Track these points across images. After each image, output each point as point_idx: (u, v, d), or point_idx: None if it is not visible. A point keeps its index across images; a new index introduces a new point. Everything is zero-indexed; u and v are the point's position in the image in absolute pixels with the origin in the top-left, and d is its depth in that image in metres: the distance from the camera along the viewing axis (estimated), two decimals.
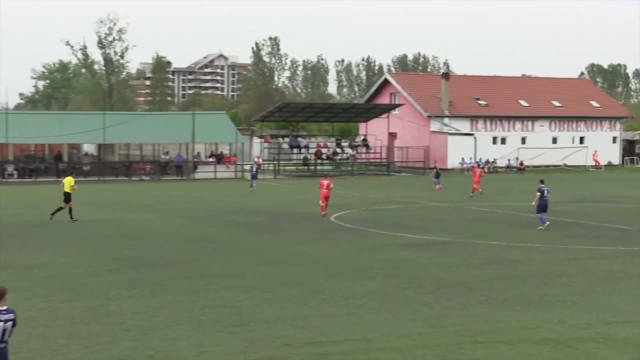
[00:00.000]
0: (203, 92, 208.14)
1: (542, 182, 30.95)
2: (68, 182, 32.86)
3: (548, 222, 29.63)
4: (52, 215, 32.11)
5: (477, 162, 57.43)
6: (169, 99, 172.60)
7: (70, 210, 32.01)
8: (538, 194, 30.14)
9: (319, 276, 19.80)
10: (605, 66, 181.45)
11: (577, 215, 34.65)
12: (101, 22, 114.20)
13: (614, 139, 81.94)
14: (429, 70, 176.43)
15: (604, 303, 16.83)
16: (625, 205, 39.95)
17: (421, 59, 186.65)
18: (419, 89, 77.90)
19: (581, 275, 20.10)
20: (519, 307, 16.39)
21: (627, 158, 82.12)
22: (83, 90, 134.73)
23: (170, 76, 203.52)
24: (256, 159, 60.86)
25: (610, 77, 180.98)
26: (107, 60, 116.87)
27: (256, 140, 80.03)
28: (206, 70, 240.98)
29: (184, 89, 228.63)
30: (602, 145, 79.73)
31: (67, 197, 32.31)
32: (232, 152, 68.82)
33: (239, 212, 35.80)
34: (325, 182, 34.87)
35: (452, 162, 72.26)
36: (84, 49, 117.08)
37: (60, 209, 32.28)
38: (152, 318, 15.30)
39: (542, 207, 29.82)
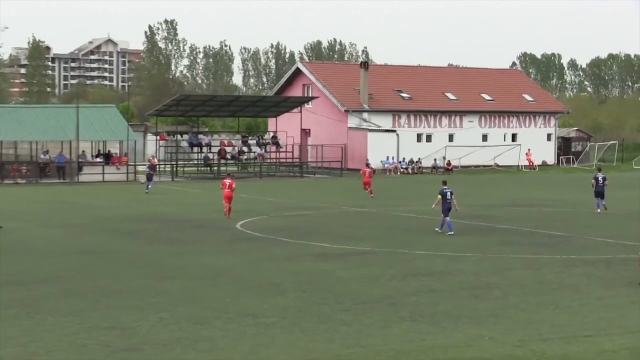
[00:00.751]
0: (88, 82, 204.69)
1: (444, 183, 32.17)
2: None
3: (451, 232, 30.43)
4: None
5: (366, 162, 59.55)
6: (49, 89, 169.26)
7: None
8: (439, 196, 31.02)
9: (223, 292, 19.70)
10: (539, 56, 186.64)
11: (510, 220, 35.45)
12: None
13: (549, 136, 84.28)
14: (345, 59, 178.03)
15: (538, 317, 17.26)
16: (562, 209, 41.08)
17: (337, 46, 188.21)
18: (335, 79, 78.45)
19: (514, 286, 20.57)
20: (447, 323, 16.65)
21: (562, 157, 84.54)
22: None
23: (50, 63, 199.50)
24: (151, 159, 60.15)
25: (543, 67, 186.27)
26: None
27: (151, 137, 79.08)
28: (92, 57, 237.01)
29: (65, 78, 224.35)
30: (536, 143, 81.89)
31: None
32: (122, 151, 67.82)
33: (131, 220, 35.31)
34: (227, 181, 36.40)
35: (373, 161, 72.88)
36: None
37: None
38: (30, 344, 14.93)
39: (446, 211, 30.82)
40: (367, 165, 55.38)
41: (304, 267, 23.30)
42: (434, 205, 31.79)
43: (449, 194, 30.97)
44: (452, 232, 30.54)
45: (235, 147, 71.86)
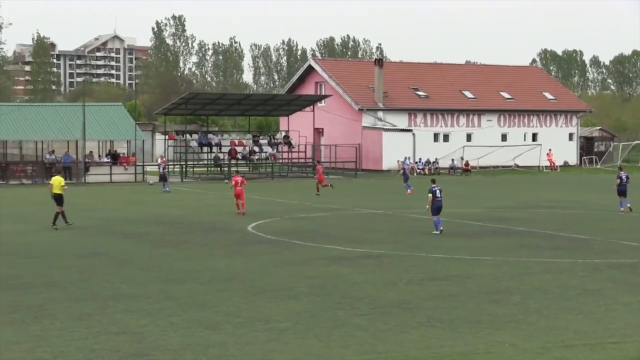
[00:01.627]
0: (95, 79, 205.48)
1: (433, 182, 32.69)
2: (57, 182, 33.42)
3: (441, 228, 31.18)
4: (53, 224, 32.62)
5: (317, 160, 61.80)
6: (54, 87, 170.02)
7: (57, 215, 32.69)
8: (430, 195, 31.44)
9: (234, 296, 19.73)
10: (560, 53, 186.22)
11: (530, 223, 35.38)
12: None
13: (571, 136, 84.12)
14: (359, 56, 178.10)
15: (561, 323, 17.22)
16: (584, 211, 40.98)
17: (350, 43, 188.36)
18: (349, 77, 78.49)
19: (535, 291, 20.52)
20: (466, 329, 16.63)
21: (585, 157, 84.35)
22: None
23: (55, 61, 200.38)
24: (160, 159, 60.38)
25: (565, 65, 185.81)
26: None
27: (159, 136, 79.38)
28: (98, 54, 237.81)
29: (71, 75, 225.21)
30: (557, 143, 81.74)
31: (59, 199, 32.85)
32: (130, 151, 68.07)
33: (139, 222, 35.43)
34: (238, 178, 38.20)
35: (388, 162, 72.95)
36: None
37: (58, 214, 32.77)
38: (36, 349, 14.99)
39: (437, 210, 31.24)
40: (318, 162, 58.38)
41: (317, 270, 23.32)
42: (427, 206, 31.99)
43: (438, 191, 31.42)
44: (437, 232, 31.02)
45: (246, 147, 71.98)
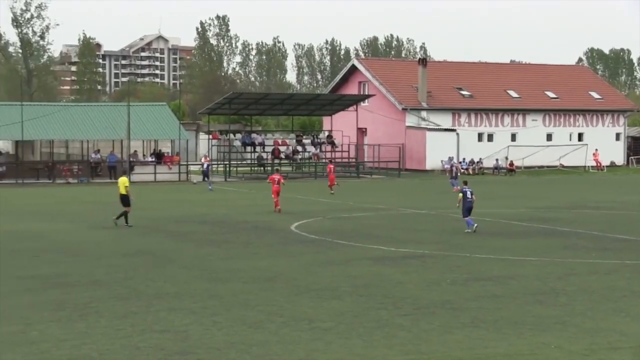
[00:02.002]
0: (139, 79, 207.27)
1: (465, 183, 33.57)
2: (122, 182, 33.99)
3: (476, 225, 31.58)
4: (115, 220, 33.37)
5: (329, 160, 62.22)
6: (99, 87, 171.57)
7: (125, 213, 33.37)
8: (461, 195, 32.17)
9: (277, 295, 19.79)
10: (607, 51, 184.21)
11: (575, 223, 35.07)
12: None
13: (617, 136, 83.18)
14: (403, 55, 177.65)
15: (607, 325, 17.05)
16: (631, 212, 40.54)
17: (394, 43, 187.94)
18: (393, 77, 78.34)
19: (581, 292, 20.34)
20: (510, 330, 16.54)
21: (632, 157, 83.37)
22: None
23: (101, 61, 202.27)
24: (203, 159, 60.80)
25: (612, 64, 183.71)
26: (25, 42, 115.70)
27: (203, 136, 79.87)
28: (143, 54, 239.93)
29: (116, 75, 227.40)
30: (604, 143, 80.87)
31: (125, 199, 33.49)
32: (174, 151, 68.56)
33: (183, 221, 35.67)
34: (276, 177, 39.09)
35: (432, 162, 72.73)
36: None
37: (124, 213, 33.42)
38: (82, 346, 15.17)
39: (467, 210, 31.90)
40: (330, 161, 58.49)
41: (360, 270, 23.32)
42: (458, 205, 32.39)
43: (469, 193, 31.97)
44: (469, 230, 31.43)
45: (289, 147, 72.13)
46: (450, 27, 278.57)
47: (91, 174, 63.32)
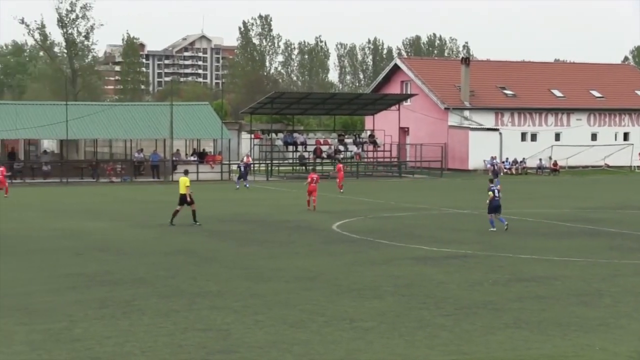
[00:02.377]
0: (182, 79, 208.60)
1: (491, 181, 33.89)
2: (182, 182, 34.42)
3: (507, 223, 31.78)
4: (171, 222, 33.74)
5: (338, 159, 62.46)
6: (143, 87, 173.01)
7: (194, 212, 33.88)
8: (490, 193, 32.13)
9: (319, 295, 19.81)
10: None
11: (620, 224, 34.69)
12: None
13: None
14: (446, 54, 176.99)
15: None
16: None
17: (437, 42, 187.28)
18: (435, 76, 78.07)
19: (627, 294, 20.11)
20: (554, 331, 16.39)
21: None
22: (41, 77, 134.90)
23: (144, 61, 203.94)
24: (245, 158, 61.06)
25: None
26: (70, 42, 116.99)
27: (245, 136, 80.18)
28: (186, 54, 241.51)
29: (160, 75, 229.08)
30: None
31: (183, 199, 33.94)
32: (216, 150, 68.90)
33: (225, 220, 35.83)
34: (314, 175, 40.43)
35: (475, 162, 72.35)
36: (41, 28, 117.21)
37: (193, 212, 33.93)
38: (125, 343, 15.29)
39: (494, 208, 32.00)
40: (339, 161, 58.83)
41: (402, 270, 23.26)
42: (487, 201, 32.43)
43: (496, 191, 32.04)
44: (494, 229, 31.55)
45: (331, 146, 72.17)
46: (493, 26, 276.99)
47: (134, 173, 63.86)
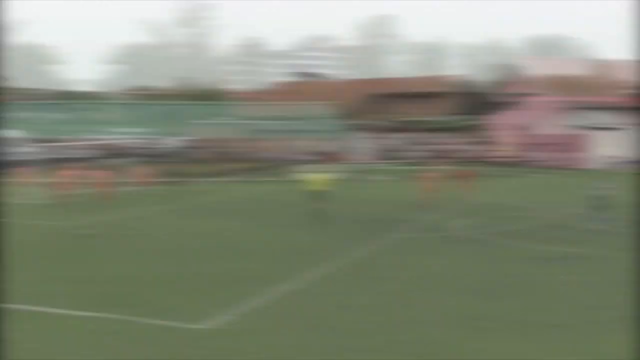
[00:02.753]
0: (305, 78, 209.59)
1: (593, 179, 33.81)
2: (318, 180, 34.87)
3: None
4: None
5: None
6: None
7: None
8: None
9: (438, 295, 19.74)
10: None
11: None
12: None
13: None
14: (570, 54, 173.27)
15: None
16: None
17: (561, 41, 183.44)
18: (559, 75, 76.75)
19: None
20: None
21: None
22: None
23: (266, 60, 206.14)
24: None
25: None
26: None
27: (363, 135, 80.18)
28: (308, 53, 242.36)
29: (282, 74, 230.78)
30: None
31: (320, 196, 34.30)
32: (337, 150, 69.15)
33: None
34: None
35: (598, 161, 70.80)
36: None
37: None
38: None
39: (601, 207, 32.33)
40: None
41: (526, 270, 22.94)
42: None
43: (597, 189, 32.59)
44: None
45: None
46: (620, 25, 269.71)
47: (258, 171, 64.79)
